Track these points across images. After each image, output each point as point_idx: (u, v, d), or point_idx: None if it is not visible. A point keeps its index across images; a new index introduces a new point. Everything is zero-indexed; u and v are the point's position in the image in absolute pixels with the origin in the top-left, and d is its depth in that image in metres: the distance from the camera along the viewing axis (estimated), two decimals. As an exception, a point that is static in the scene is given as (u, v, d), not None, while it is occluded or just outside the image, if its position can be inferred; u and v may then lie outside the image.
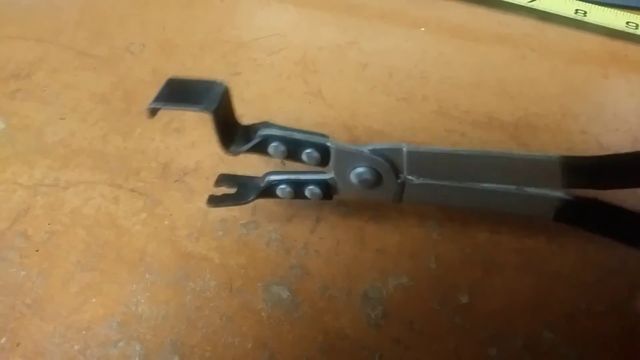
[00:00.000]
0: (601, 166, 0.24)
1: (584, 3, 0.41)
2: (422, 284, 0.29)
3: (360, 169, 0.26)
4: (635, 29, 0.40)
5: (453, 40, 0.41)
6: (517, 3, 0.42)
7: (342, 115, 0.36)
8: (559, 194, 0.26)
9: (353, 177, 0.26)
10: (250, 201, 0.28)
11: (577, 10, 0.41)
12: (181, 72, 0.38)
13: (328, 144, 0.26)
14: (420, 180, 0.26)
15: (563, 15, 0.42)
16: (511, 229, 0.30)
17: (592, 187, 0.25)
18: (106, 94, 0.37)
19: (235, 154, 0.26)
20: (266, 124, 0.26)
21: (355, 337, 0.27)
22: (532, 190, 0.26)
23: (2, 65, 0.39)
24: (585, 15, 0.41)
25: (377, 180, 0.26)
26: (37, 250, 0.30)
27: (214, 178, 0.32)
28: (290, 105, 0.37)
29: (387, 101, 0.37)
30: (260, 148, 0.26)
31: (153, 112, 0.24)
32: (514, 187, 0.26)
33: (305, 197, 0.28)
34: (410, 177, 0.26)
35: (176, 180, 0.32)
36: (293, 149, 0.26)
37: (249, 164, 0.32)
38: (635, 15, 0.40)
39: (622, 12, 0.41)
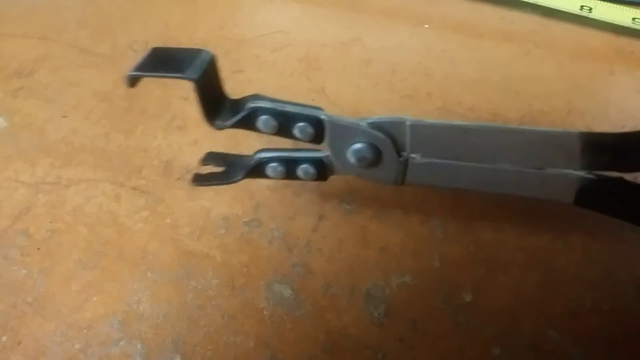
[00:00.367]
0: (625, 144, 0.22)
1: (589, -1, 0.41)
2: (426, 282, 0.28)
3: (358, 145, 0.24)
4: (642, 25, 0.40)
5: (457, 37, 0.41)
6: (521, -1, 0.42)
7: (346, 112, 0.36)
8: (581, 173, 0.23)
9: (350, 155, 0.24)
10: (237, 180, 0.26)
11: (582, 6, 0.41)
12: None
13: (322, 116, 0.24)
14: (425, 159, 0.24)
15: (568, 11, 0.41)
16: (515, 226, 0.30)
17: (616, 169, 0.23)
18: (108, 92, 0.37)
19: (221, 128, 0.24)
20: (256, 97, 0.24)
21: (358, 336, 0.27)
22: (551, 169, 0.23)
23: (5, 63, 0.39)
24: (590, 12, 0.40)
25: (376, 158, 0.24)
26: (38, 249, 0.30)
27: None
28: (293, 103, 0.36)
29: (391, 98, 0.37)
30: (249, 122, 0.24)
31: (132, 81, 0.22)
32: (530, 166, 0.23)
33: (297, 178, 0.26)
34: (413, 156, 0.24)
35: (178, 178, 0.32)
36: (284, 123, 0.24)
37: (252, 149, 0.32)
38: (642, 11, 0.40)
39: (628, 8, 0.40)
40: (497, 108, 0.36)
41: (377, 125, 0.23)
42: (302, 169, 0.26)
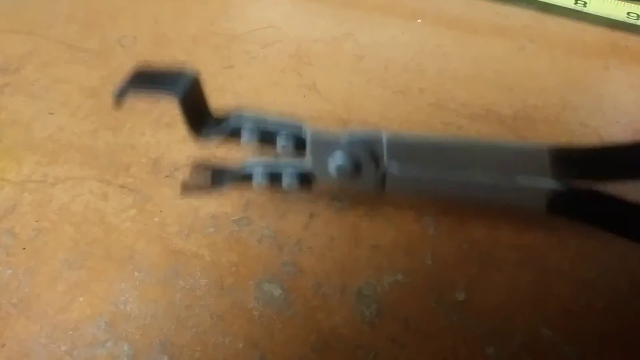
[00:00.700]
0: (593, 157, 0.23)
1: (584, -7, 0.40)
2: (418, 281, 0.28)
3: (337, 159, 0.25)
4: (636, 19, 0.39)
5: (450, 32, 0.41)
6: (515, -6, 0.42)
7: (337, 108, 0.35)
8: (552, 184, 0.24)
9: (331, 167, 0.25)
10: (223, 187, 0.28)
11: (577, 0, 0.40)
12: (174, 65, 0.38)
13: (302, 134, 0.25)
14: (401, 171, 0.25)
15: (563, 6, 0.41)
16: (509, 224, 0.30)
17: (584, 179, 0.24)
18: (96, 88, 0.37)
19: (206, 142, 0.25)
20: (239, 112, 0.25)
21: (349, 336, 0.26)
22: (522, 180, 0.24)
23: (-9, 59, 0.39)
24: (585, 6, 0.40)
25: (356, 170, 0.25)
26: (24, 248, 0.29)
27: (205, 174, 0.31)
28: (284, 99, 0.36)
29: (383, 94, 0.36)
30: (234, 137, 0.25)
31: (119, 101, 0.23)
32: (502, 177, 0.24)
33: (282, 189, 0.27)
34: (390, 168, 0.25)
35: (167, 176, 0.32)
36: (267, 138, 0.25)
37: (240, 159, 0.31)
38: (636, 6, 0.39)
39: (622, 3, 0.40)
40: (491, 104, 0.35)
41: (355, 138, 0.25)
42: (286, 181, 0.27)
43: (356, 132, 0.25)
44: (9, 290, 0.28)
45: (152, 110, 0.35)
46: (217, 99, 0.35)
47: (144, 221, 0.30)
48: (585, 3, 0.40)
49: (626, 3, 0.40)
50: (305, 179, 0.27)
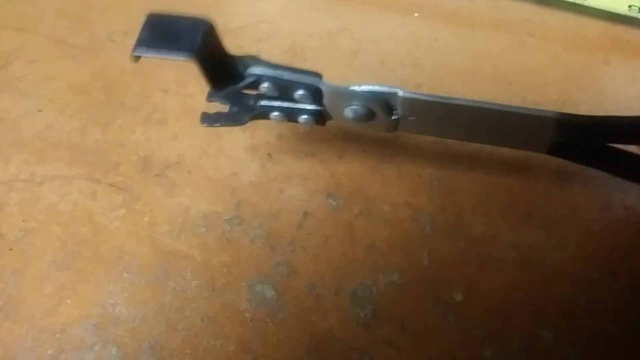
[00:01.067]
0: (595, 125, 0.25)
1: (584, -14, 0.40)
2: (414, 281, 0.27)
3: (353, 106, 0.26)
4: (638, 12, 0.38)
5: (448, 26, 0.40)
6: (514, -13, 0.41)
7: (332, 104, 0.34)
8: (557, 115, 0.25)
9: (347, 113, 0.26)
10: (244, 122, 0.27)
11: (577, -7, 0.39)
12: (165, 61, 0.37)
13: (320, 85, 0.25)
14: (414, 119, 0.26)
15: (563, -1, 0.40)
16: (508, 222, 0.29)
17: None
18: (86, 85, 0.36)
19: (226, 94, 0.26)
20: (255, 61, 0.26)
21: (344, 338, 0.26)
22: (528, 110, 0.25)
23: (-22, 55, 0.38)
24: (585, -1, 0.39)
25: (370, 116, 0.26)
26: (10, 249, 0.29)
27: (196, 172, 0.31)
28: (277, 95, 0.35)
29: (379, 90, 0.35)
30: (252, 87, 0.26)
31: (137, 58, 0.24)
32: (509, 107, 0.26)
33: (298, 122, 0.27)
34: (404, 116, 0.26)
35: (157, 175, 0.31)
36: (284, 89, 0.26)
37: (233, 157, 0.31)
38: (638, -1, 0.39)
39: (624, -5, 0.39)
40: (490, 99, 0.34)
41: (371, 93, 0.25)
42: (302, 119, 0.27)
43: (373, 87, 0.25)
44: (-5, 293, 0.27)
45: (142, 106, 0.34)
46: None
47: (133, 221, 0.29)
48: (585, -4, 0.39)
49: (627, -4, 0.39)
50: (320, 118, 0.27)
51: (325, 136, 0.32)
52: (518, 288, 0.27)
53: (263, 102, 0.27)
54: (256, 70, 0.25)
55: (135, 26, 0.39)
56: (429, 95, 0.25)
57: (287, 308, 0.26)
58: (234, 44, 0.38)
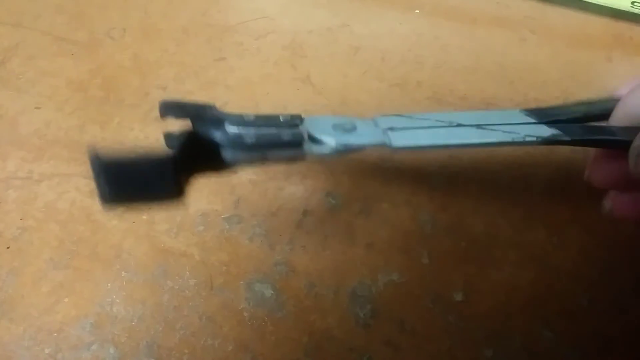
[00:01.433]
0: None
1: (587, -18, 0.39)
2: (414, 280, 0.27)
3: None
4: (641, 9, 0.38)
5: (449, 23, 0.40)
6: (516, -17, 0.40)
7: (332, 102, 0.34)
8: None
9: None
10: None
11: (579, -10, 0.39)
12: (164, 57, 0.37)
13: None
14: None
15: (565, -5, 0.40)
16: (509, 221, 0.29)
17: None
18: (84, 82, 0.35)
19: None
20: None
21: (343, 338, 0.25)
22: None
23: (-24, 52, 0.38)
24: (588, -5, 0.39)
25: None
26: (8, 247, 0.28)
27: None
28: (277, 92, 0.35)
29: (380, 87, 0.35)
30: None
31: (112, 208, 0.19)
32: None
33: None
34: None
35: (156, 172, 0.31)
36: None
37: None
38: (641, -5, 0.38)
39: (627, -8, 0.39)
40: (491, 97, 0.34)
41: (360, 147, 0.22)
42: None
43: (362, 144, 0.21)
44: (-8, 291, 0.27)
45: (141, 104, 0.34)
46: (208, 93, 0.35)
47: (131, 219, 0.29)
48: (588, -8, 0.39)
49: (630, -8, 0.38)
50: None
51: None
52: (519, 287, 0.27)
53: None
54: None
55: (134, 22, 0.39)
56: (419, 145, 0.21)
57: (286, 307, 0.26)
58: (233, 41, 0.38)
